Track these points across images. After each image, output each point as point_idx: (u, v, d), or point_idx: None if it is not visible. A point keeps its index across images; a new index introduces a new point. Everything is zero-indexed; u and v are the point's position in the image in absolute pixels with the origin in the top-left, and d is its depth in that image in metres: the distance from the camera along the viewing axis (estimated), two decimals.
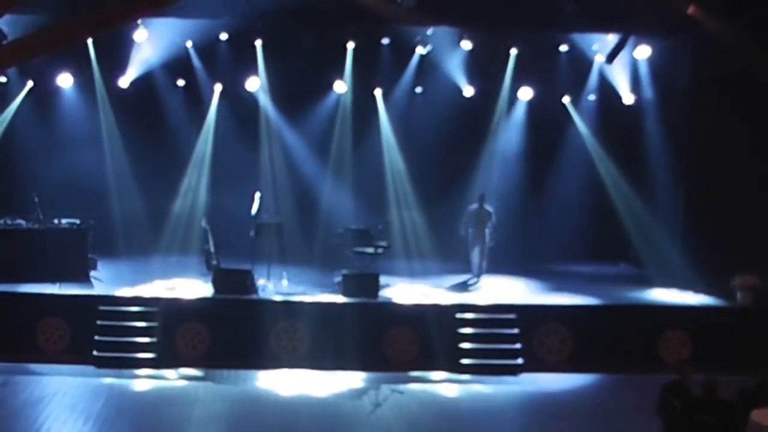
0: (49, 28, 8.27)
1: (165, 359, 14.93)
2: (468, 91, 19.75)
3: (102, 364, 14.74)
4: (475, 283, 17.64)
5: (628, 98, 19.63)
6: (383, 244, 17.21)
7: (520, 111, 20.24)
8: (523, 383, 14.99)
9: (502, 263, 18.38)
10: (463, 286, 17.48)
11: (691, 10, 16.04)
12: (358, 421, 12.94)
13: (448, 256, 18.54)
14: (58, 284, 15.85)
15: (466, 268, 18.15)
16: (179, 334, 15.26)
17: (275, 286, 16.59)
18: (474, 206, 18.02)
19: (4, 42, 15.71)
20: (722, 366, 12.38)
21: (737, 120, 16.31)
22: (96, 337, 14.95)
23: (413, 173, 19.80)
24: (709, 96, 17.05)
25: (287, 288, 16.63)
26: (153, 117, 19.56)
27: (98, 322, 15.04)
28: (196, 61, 19.29)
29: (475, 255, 17.93)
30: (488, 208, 17.97)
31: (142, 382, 14.45)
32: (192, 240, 18.63)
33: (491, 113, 19.94)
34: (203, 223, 17.58)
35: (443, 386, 14.84)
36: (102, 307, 15.22)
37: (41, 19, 14.93)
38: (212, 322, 15.40)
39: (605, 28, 17.89)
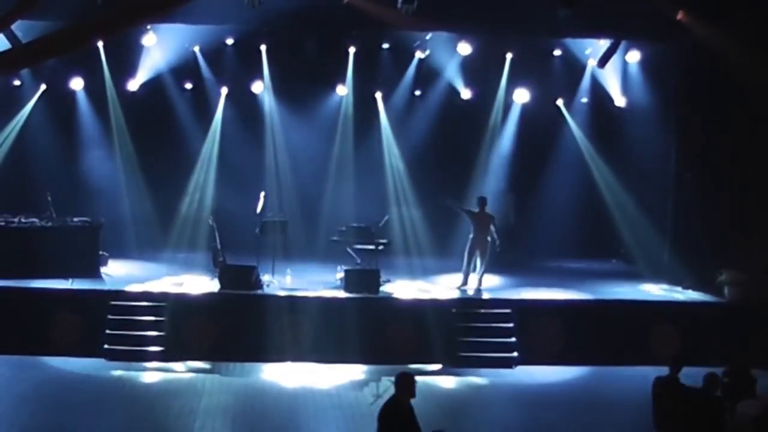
0: (60, 30, 8.56)
1: (173, 352, 15.09)
2: (465, 93, 20.06)
3: (113, 357, 14.96)
4: (474, 287, 16.97)
5: (619, 101, 19.96)
6: (383, 241, 17.28)
7: (515, 113, 20.50)
8: (518, 375, 15.13)
9: (499, 261, 18.45)
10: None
11: (680, 15, 16.28)
12: (360, 412, 12.99)
13: (446, 253, 18.62)
14: (70, 280, 16.00)
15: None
16: (187, 328, 15.33)
17: (279, 282, 16.72)
18: (475, 210, 17.05)
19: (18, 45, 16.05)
20: (711, 360, 12.43)
21: (725, 121, 16.59)
22: (107, 331, 15.10)
23: (412, 173, 20.03)
24: (698, 98, 17.22)
25: (291, 284, 16.77)
26: (161, 119, 19.76)
27: (109, 317, 15.22)
28: (203, 65, 19.62)
29: (473, 262, 16.90)
30: (490, 212, 17.06)
31: (151, 374, 14.60)
32: (199, 237, 18.83)
33: (487, 115, 20.21)
34: (210, 221, 17.57)
35: (441, 378, 14.96)
36: (113, 302, 15.40)
37: (55, 25, 15.11)
38: (219, 317, 15.49)
39: (597, 34, 18.09)
